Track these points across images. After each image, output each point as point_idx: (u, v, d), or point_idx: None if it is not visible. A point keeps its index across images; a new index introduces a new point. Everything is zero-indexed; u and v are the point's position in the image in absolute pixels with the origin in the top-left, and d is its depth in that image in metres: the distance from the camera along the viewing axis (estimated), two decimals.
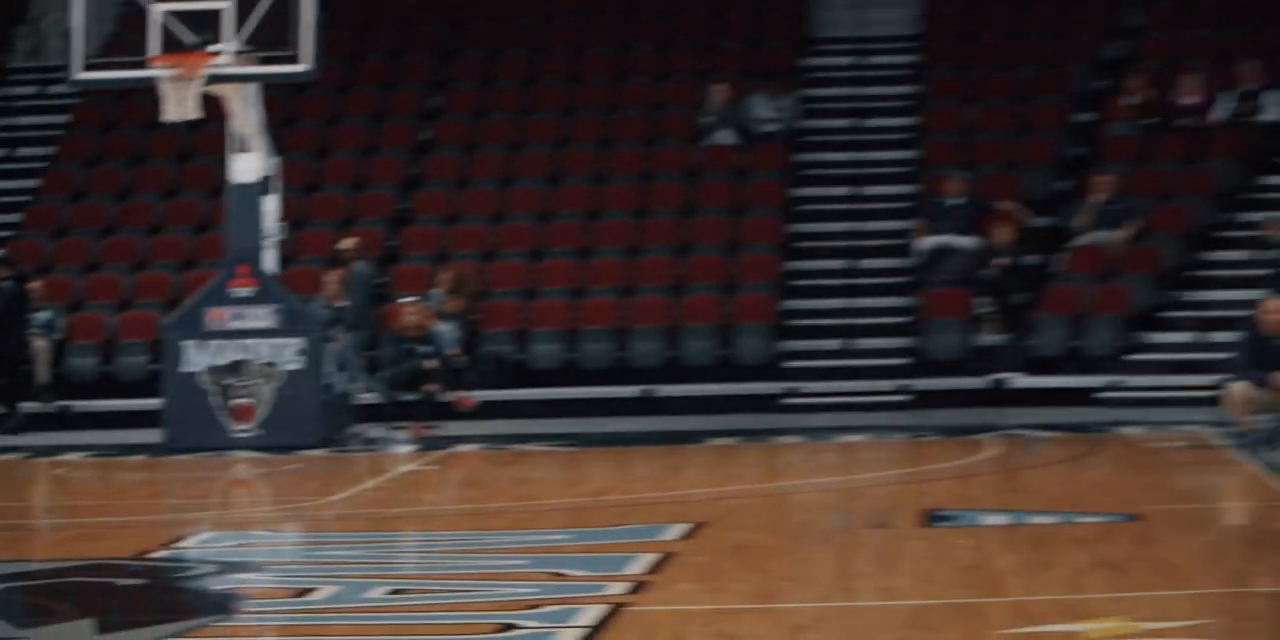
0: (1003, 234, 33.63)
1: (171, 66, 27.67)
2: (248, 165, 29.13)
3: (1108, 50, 38.27)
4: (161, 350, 29.65)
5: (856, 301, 34.33)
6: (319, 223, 35.32)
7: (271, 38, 27.93)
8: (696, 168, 36.66)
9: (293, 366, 28.79)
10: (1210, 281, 33.31)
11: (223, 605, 15.31)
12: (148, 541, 18.92)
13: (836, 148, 37.34)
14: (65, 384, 32.77)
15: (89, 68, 28.48)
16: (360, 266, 31.53)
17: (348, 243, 31.98)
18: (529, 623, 13.68)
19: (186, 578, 17.02)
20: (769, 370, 33.21)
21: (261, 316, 28.92)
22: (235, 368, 28.81)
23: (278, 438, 28.47)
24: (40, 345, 32.00)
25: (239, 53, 27.95)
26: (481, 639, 13.34)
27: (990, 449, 26.78)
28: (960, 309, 33.39)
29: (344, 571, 16.99)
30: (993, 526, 19.22)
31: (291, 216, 32.19)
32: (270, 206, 29.39)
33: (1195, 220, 34.18)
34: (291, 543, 20.36)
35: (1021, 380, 32.57)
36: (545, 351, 33.63)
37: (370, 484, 25.25)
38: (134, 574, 16.97)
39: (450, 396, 29.98)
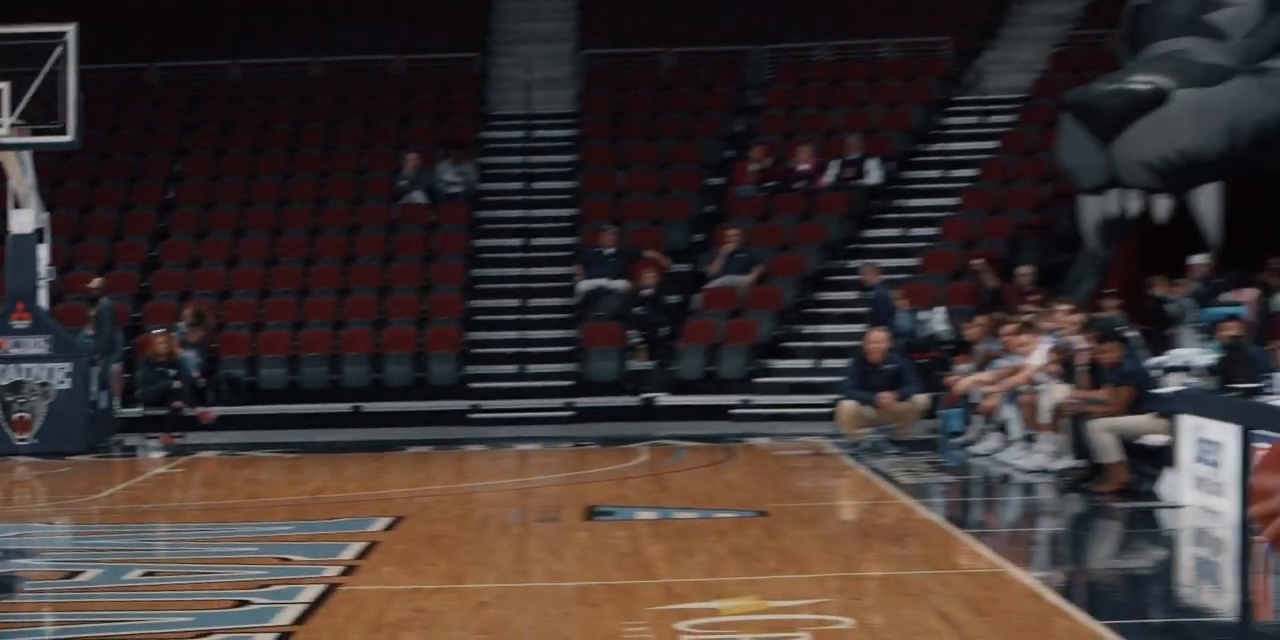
0: (648, 278, 33.98)
1: None
2: (23, 219, 29.57)
3: (735, 125, 38.87)
4: None
5: (528, 334, 34.65)
6: (83, 267, 35.08)
7: (42, 113, 28.05)
8: (394, 222, 36.86)
9: (63, 386, 29.15)
10: (822, 317, 33.81)
11: (5, 586, 15.66)
12: None
13: (510, 206, 37.65)
14: None
15: None
16: (105, 302, 31.13)
17: (95, 282, 31.54)
18: (260, 599, 14.34)
19: None
20: (457, 390, 33.39)
21: (36, 344, 29.36)
22: (15, 387, 29.21)
23: (51, 445, 28.83)
24: None
25: (15, 125, 28.10)
26: (220, 613, 13.71)
27: (642, 456, 27.08)
28: (614, 340, 33.69)
29: (106, 557, 17.34)
30: (644, 520, 19.44)
31: (60, 262, 32.57)
32: (43, 253, 29.83)
33: (808, 266, 34.79)
34: (63, 533, 20.40)
35: (667, 399, 32.92)
36: (271, 374, 33.71)
37: (128, 484, 25.33)
38: None
39: (193, 411, 30.02)
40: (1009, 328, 26.23)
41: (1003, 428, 25.52)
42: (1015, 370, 25.38)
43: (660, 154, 38.23)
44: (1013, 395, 25.06)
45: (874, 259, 34.10)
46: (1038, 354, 25.07)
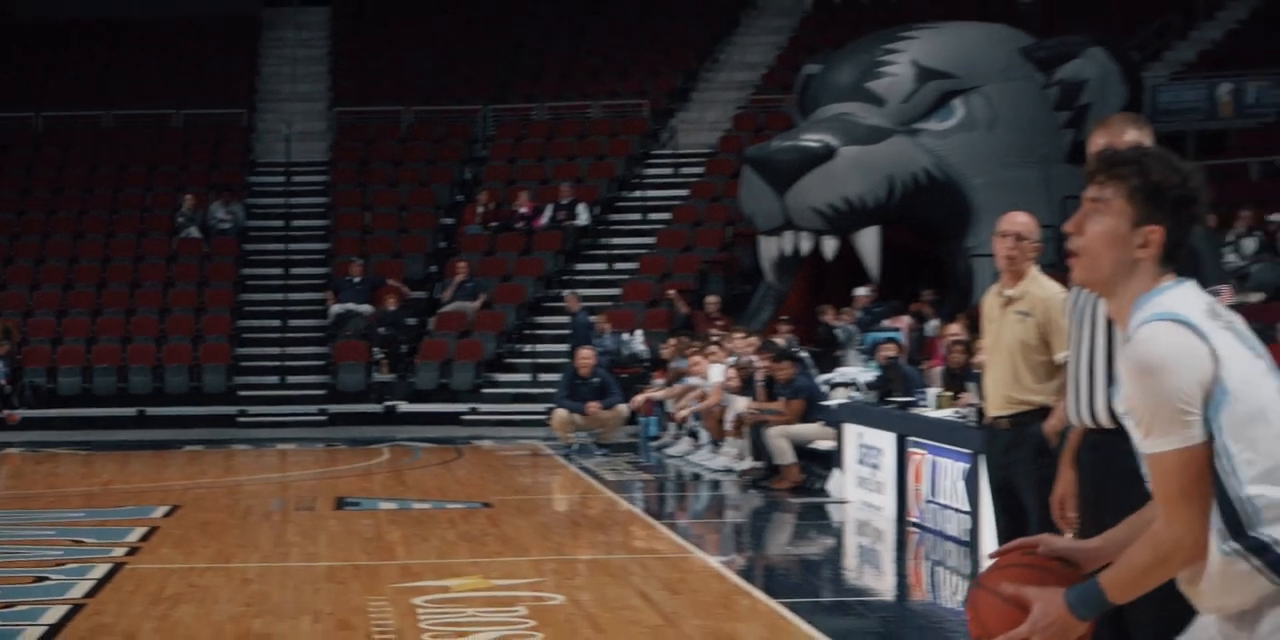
0: (390, 302, 33.86)
1: None
2: None
3: (464, 173, 38.82)
4: None
5: (287, 350, 34.37)
6: None
7: None
8: (173, 254, 36.41)
9: None
10: (539, 338, 33.76)
11: None
12: None
13: (272, 240, 37.32)
14: None
15: None
16: None
17: None
18: (56, 576, 14.29)
19: None
20: (227, 398, 33.11)
21: None
22: None
23: None
24: None
25: None
26: (22, 587, 13.71)
27: (384, 455, 26.95)
28: (361, 355, 33.45)
29: None
30: (386, 510, 19.37)
31: None
32: None
33: (527, 294, 34.76)
34: None
35: (406, 406, 32.75)
36: (68, 382, 33.30)
37: None
38: None
39: (1, 414, 29.62)
40: (692, 351, 26.44)
41: (693, 433, 25.57)
42: (691, 389, 25.64)
43: (400, 197, 38.10)
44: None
45: (581, 289, 34.05)
46: (713, 372, 25.27)
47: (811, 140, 28.63)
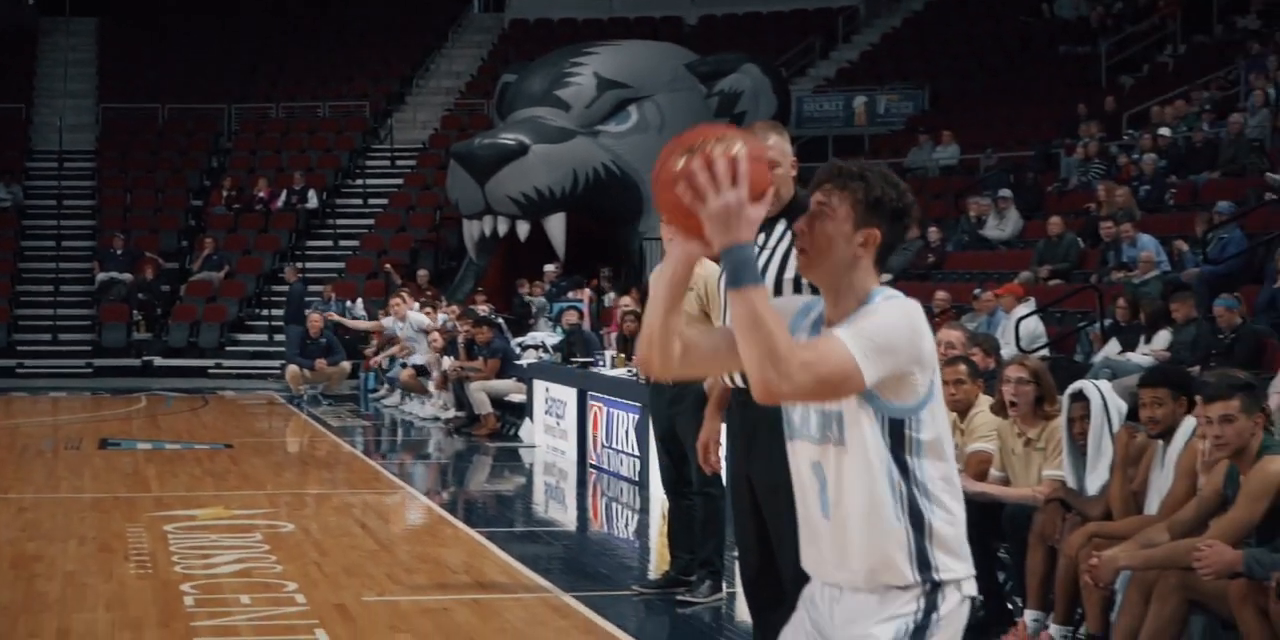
0: (148, 272, 33.25)
1: None
2: None
3: (212, 162, 38.14)
4: None
5: (60, 311, 33.48)
6: None
7: None
8: None
9: None
10: (275, 304, 32.83)
11: None
12: None
13: (47, 217, 36.12)
14: None
15: None
16: None
17: None
18: None
19: None
20: (6, 352, 32.21)
21: None
22: None
23: None
24: None
25: None
26: None
27: (142, 403, 26.55)
28: (123, 317, 32.76)
29: None
30: (143, 449, 19.14)
31: None
32: None
33: (264, 266, 34.12)
34: None
35: (161, 361, 32.08)
36: None
37: None
38: None
39: None
40: (394, 299, 26.40)
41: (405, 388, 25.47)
42: (396, 341, 25.56)
43: (157, 181, 37.30)
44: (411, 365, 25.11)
45: (311, 263, 33.81)
46: (411, 317, 25.33)
47: (508, 138, 28.63)
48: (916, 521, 4.36)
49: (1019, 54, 34.66)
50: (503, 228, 28.99)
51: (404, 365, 25.06)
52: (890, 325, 4.28)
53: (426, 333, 24.63)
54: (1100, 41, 32.64)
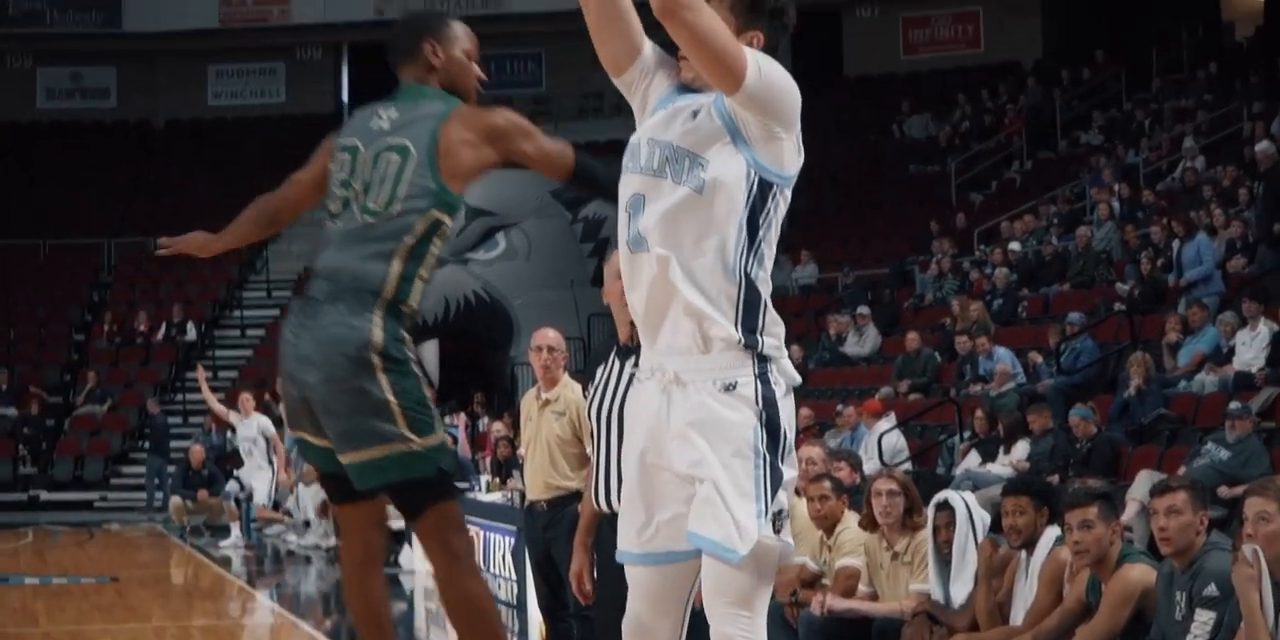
0: (33, 406, 32.90)
1: None
2: None
3: (94, 296, 37.87)
4: None
5: None
6: None
7: None
8: None
9: None
10: None
11: None
12: None
13: None
14: None
15: None
16: None
17: None
18: None
19: None
20: None
21: None
22: None
23: None
24: None
25: None
26: None
27: (29, 537, 26.09)
28: (9, 452, 32.16)
29: None
30: (30, 584, 18.70)
31: None
32: None
33: (144, 398, 33.38)
34: None
35: (47, 495, 31.64)
36: None
37: None
38: None
39: None
40: (243, 395, 25.97)
41: (289, 514, 25.13)
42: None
43: (39, 316, 36.95)
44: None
45: (191, 395, 33.16)
46: (258, 419, 24.72)
47: None
48: (749, 284, 4.45)
49: (872, 173, 35.05)
50: None
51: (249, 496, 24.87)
52: (779, 71, 4.44)
53: (269, 441, 24.49)
54: (949, 160, 33.09)
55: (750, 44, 4.49)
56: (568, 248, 29.91)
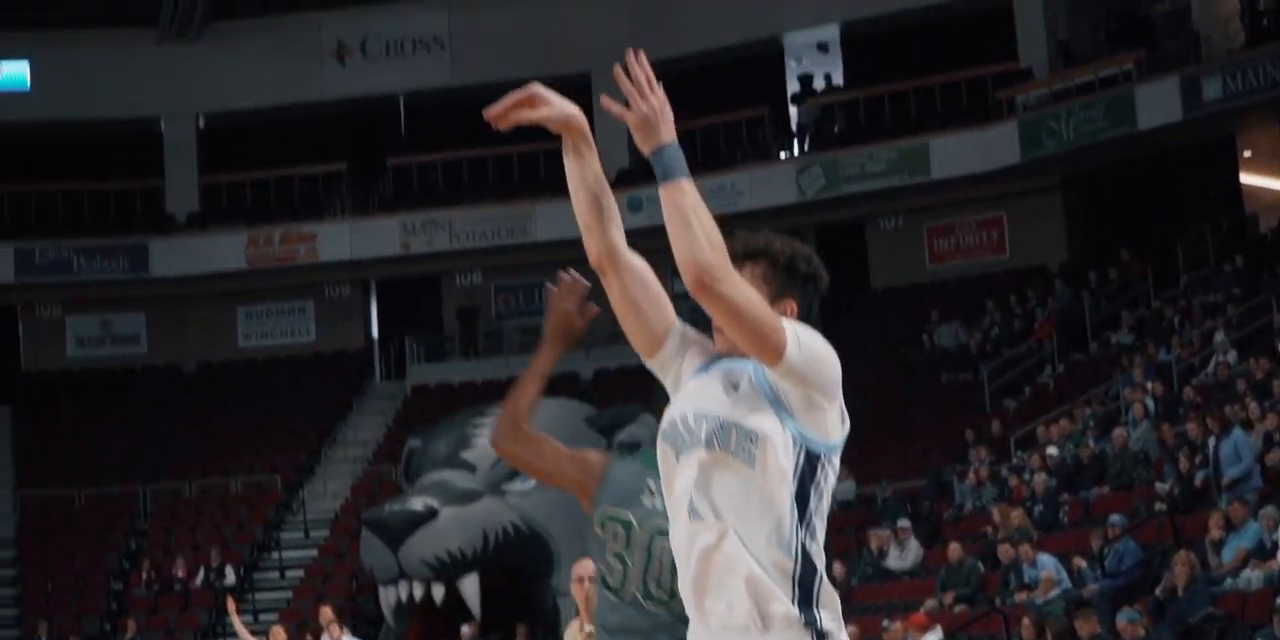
0: None
1: None
2: None
3: (130, 543, 38.04)
4: None
5: None
6: None
7: None
8: None
9: None
10: None
11: None
12: None
13: None
14: None
15: None
16: None
17: None
18: None
19: None
20: None
21: None
22: None
23: None
24: None
25: None
26: None
27: None
28: None
29: None
30: None
31: None
32: None
33: None
34: None
35: None
36: None
37: None
38: None
39: None
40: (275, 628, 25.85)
41: None
42: None
43: (77, 567, 36.99)
44: None
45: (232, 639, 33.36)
46: None
47: (417, 504, 28.67)
48: (805, 558, 4.38)
49: (904, 385, 35.24)
50: (418, 592, 28.80)
51: None
52: (818, 341, 4.45)
53: None
54: (981, 367, 33.29)
55: (785, 313, 4.53)
56: None
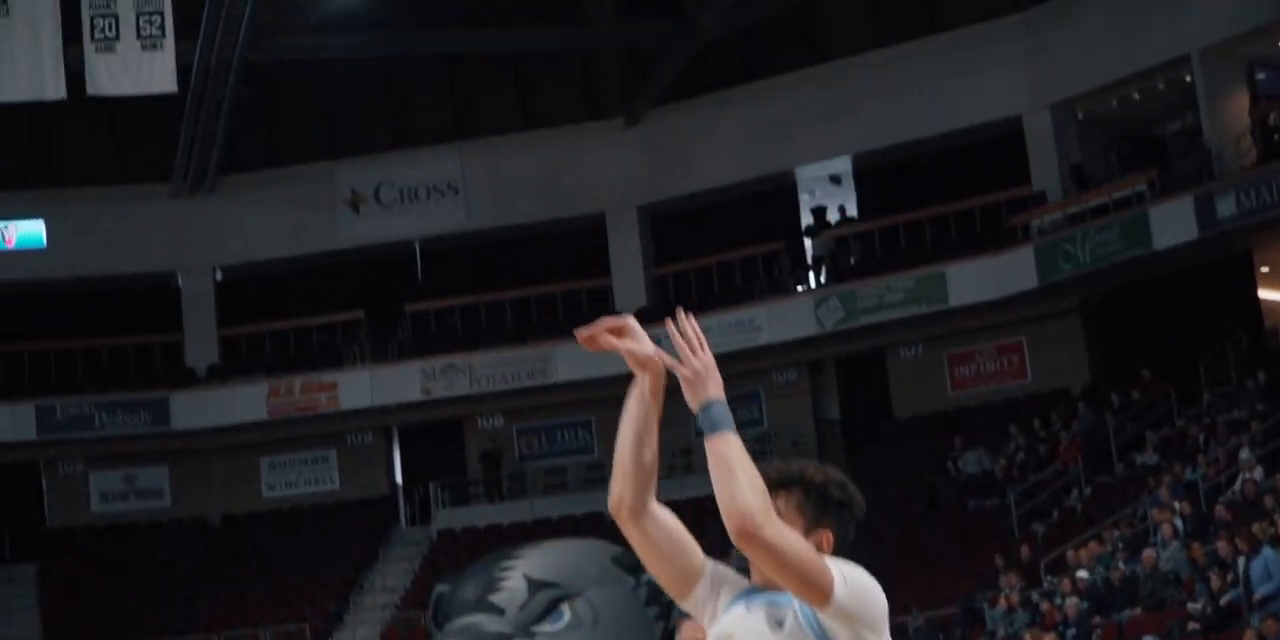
0: None
1: None
2: None
3: None
4: None
5: None
6: None
7: None
8: None
9: None
10: None
11: None
12: None
13: None
14: None
15: None
16: None
17: None
18: None
19: None
20: None
21: None
22: None
23: None
24: None
25: None
26: None
27: None
28: None
29: None
30: None
31: None
32: None
33: None
34: None
35: None
36: None
37: None
38: None
39: None
40: None
41: None
42: None
43: None
44: None
45: None
46: None
47: None
48: None
49: (930, 512, 35.37)
50: None
51: None
52: (863, 577, 4.67)
53: None
54: (1008, 492, 33.44)
55: (820, 545, 4.73)
56: (633, 613, 29.80)
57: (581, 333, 4.77)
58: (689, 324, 4.71)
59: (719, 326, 37.83)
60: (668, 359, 4.71)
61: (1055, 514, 32.51)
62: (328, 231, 43.73)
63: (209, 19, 35.85)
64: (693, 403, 4.64)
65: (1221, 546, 22.98)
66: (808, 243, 41.68)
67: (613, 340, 4.76)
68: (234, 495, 43.62)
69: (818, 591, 4.56)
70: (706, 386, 4.63)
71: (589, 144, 42.40)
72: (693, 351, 4.69)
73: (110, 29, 31.97)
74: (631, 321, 4.84)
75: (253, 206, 43.59)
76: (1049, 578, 27.82)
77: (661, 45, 41.07)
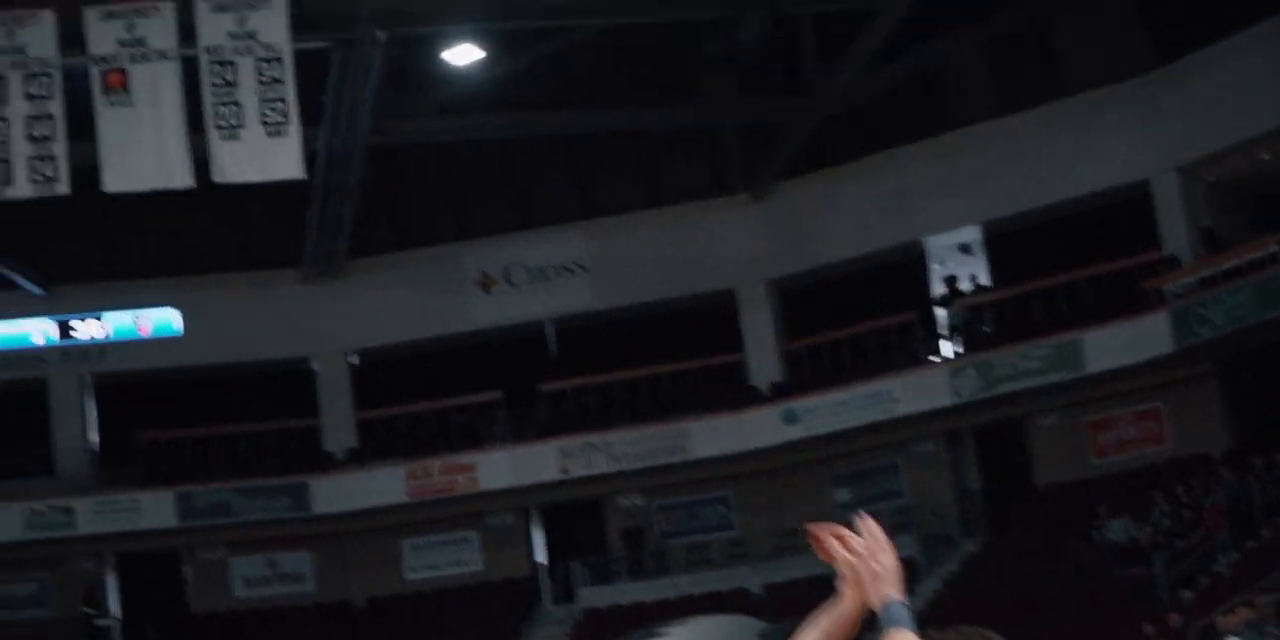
0: None
1: None
2: None
3: None
4: None
5: None
6: None
7: None
8: None
9: None
10: None
11: None
12: None
13: None
14: None
15: None
16: None
17: None
18: None
19: None
20: None
21: None
22: None
23: None
24: None
25: None
26: None
27: None
28: None
29: None
30: None
31: None
32: None
33: None
34: None
35: None
36: None
37: None
38: None
39: None
40: None
41: None
42: None
43: None
44: None
45: None
46: None
47: None
48: None
49: (1075, 581, 35.15)
50: None
51: None
52: None
53: None
54: (1154, 560, 33.21)
55: None
56: None
57: (813, 527, 5.00)
58: (872, 526, 4.95)
59: (855, 399, 37.98)
60: (860, 551, 4.96)
61: (1203, 580, 32.27)
62: (459, 312, 44.14)
63: (332, 104, 36.44)
64: (874, 599, 4.87)
65: None
66: (940, 312, 41.65)
67: (836, 547, 4.97)
68: (376, 578, 43.91)
69: None
70: (888, 586, 4.88)
71: (714, 220, 42.64)
72: (881, 551, 4.91)
73: (234, 116, 32.44)
74: (861, 539, 5.01)
75: (383, 289, 44.09)
76: None
77: (784, 119, 41.34)
